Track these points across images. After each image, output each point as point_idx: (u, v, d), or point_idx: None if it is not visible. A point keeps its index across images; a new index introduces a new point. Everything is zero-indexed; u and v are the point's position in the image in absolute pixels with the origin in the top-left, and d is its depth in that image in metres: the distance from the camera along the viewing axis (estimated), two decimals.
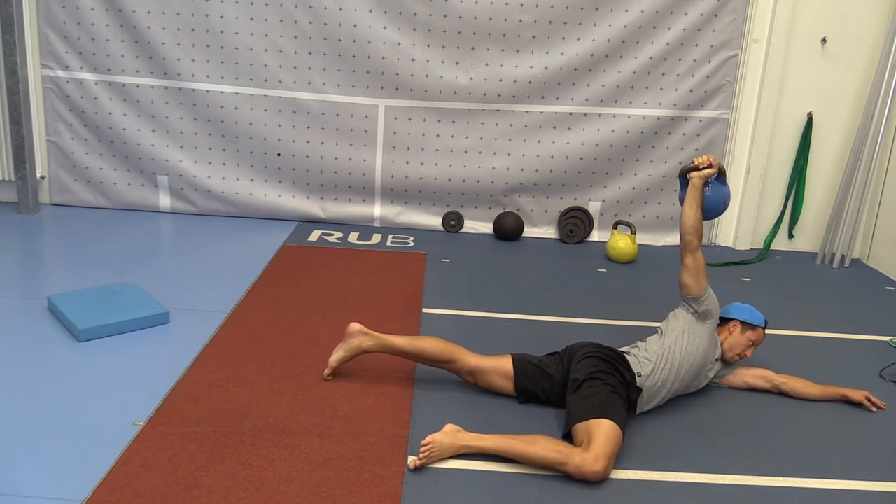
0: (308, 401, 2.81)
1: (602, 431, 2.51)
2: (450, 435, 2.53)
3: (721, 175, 3.17)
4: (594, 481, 2.43)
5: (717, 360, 3.08)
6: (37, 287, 3.83)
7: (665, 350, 2.91)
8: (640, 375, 2.84)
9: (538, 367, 2.91)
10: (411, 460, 2.45)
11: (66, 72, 5.03)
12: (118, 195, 5.24)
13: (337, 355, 2.97)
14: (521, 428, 2.68)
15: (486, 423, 2.72)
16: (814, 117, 5.12)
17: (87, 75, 5.04)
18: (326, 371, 2.97)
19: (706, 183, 3.13)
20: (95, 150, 5.17)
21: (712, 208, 3.17)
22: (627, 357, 2.89)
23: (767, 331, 3.22)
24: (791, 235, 5.38)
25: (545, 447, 2.48)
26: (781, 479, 2.54)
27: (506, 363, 2.92)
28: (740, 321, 3.13)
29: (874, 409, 3.05)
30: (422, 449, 2.46)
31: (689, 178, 3.12)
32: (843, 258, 5.12)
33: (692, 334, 2.96)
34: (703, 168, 3.09)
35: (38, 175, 5.15)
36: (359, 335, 2.96)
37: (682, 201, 3.16)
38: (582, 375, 2.76)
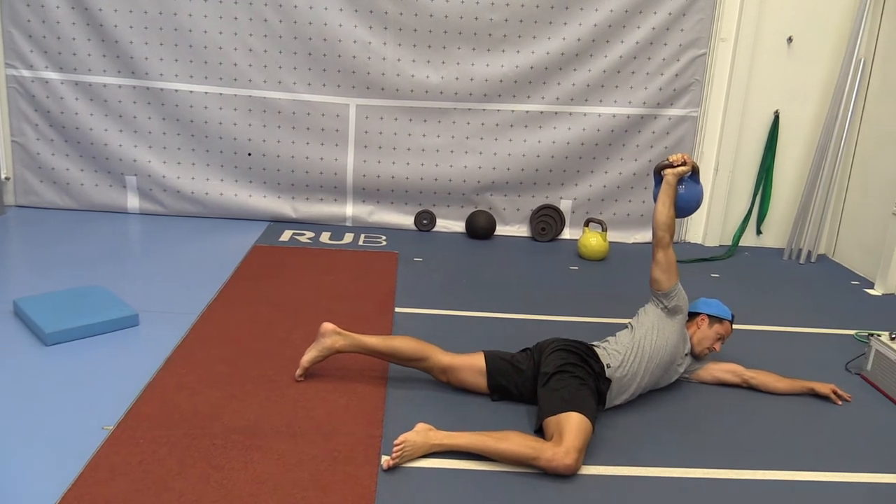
0: (280, 402, 2.79)
1: (572, 425, 2.52)
2: (422, 434, 2.53)
3: (695, 173, 3.20)
4: (566, 475, 2.45)
5: (686, 354, 3.11)
6: (2, 290, 3.76)
7: (635, 343, 2.94)
8: (609, 367, 2.86)
9: (510, 363, 2.92)
10: (384, 460, 2.44)
11: (31, 71, 4.95)
12: (85, 196, 5.17)
13: (309, 355, 2.96)
14: (495, 425, 2.68)
15: (459, 421, 2.73)
16: (780, 115, 5.19)
17: (52, 75, 4.96)
18: (298, 371, 2.96)
19: (680, 181, 3.16)
20: (62, 151, 5.09)
21: (685, 206, 3.21)
22: (597, 350, 2.92)
23: (736, 326, 3.27)
24: (759, 232, 5.46)
25: (517, 443, 2.49)
26: (751, 471, 2.58)
27: (478, 360, 2.93)
28: (708, 315, 3.17)
29: (840, 402, 3.10)
30: (394, 449, 2.46)
31: (664, 175, 3.15)
32: (809, 254, 5.21)
33: (662, 329, 2.99)
34: (678, 166, 3.13)
35: (3, 176, 5.06)
36: (331, 335, 2.95)
37: (655, 198, 3.19)
38: (551, 369, 2.78)
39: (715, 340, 3.14)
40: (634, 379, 2.91)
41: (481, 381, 2.92)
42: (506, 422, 2.76)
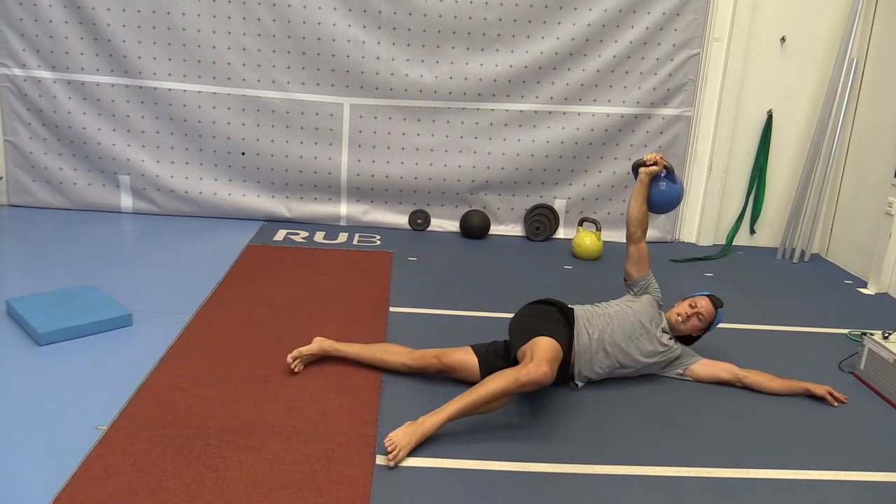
0: (274, 402, 2.79)
1: (541, 345, 2.76)
2: (408, 431, 2.53)
3: (670, 173, 3.34)
4: (543, 383, 2.63)
5: (662, 327, 3.18)
6: None
7: (600, 307, 3.20)
8: (573, 308, 3.14)
9: (494, 349, 3.05)
10: (385, 460, 2.45)
11: (24, 70, 4.93)
12: (78, 196, 5.15)
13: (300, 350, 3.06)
14: (493, 418, 2.69)
15: (456, 423, 2.73)
16: (773, 115, 5.21)
17: (45, 73, 4.94)
18: (291, 356, 3.02)
19: (659, 179, 3.34)
20: (55, 150, 5.07)
21: (662, 203, 3.40)
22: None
23: (730, 325, 3.29)
24: (752, 231, 5.47)
25: (494, 381, 2.63)
26: (745, 470, 2.59)
27: (470, 358, 3.00)
28: (684, 297, 3.32)
29: (836, 404, 3.09)
30: (388, 450, 2.47)
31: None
32: (802, 253, 5.23)
33: (628, 302, 3.25)
34: (650, 165, 3.30)
35: None
36: (321, 345, 3.10)
37: None
38: (521, 321, 3.04)
39: (687, 309, 3.21)
40: (602, 339, 3.04)
41: (474, 374, 2.96)
42: (504, 414, 2.76)
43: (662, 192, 3.36)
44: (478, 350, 3.04)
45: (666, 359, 3.18)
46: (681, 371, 3.21)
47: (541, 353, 2.72)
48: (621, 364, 3.09)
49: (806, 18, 5.03)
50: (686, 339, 3.28)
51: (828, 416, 3.01)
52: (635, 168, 3.39)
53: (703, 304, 3.22)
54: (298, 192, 5.25)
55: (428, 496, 2.33)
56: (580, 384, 3.08)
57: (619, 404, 2.98)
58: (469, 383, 2.96)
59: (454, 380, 3.02)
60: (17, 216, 4.97)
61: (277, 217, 5.25)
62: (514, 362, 2.87)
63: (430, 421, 2.57)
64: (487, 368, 2.93)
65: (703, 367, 3.22)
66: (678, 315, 3.21)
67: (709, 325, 3.25)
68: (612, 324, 3.09)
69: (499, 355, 3.01)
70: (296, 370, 3.00)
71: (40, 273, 3.98)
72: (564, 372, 3.00)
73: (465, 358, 3.00)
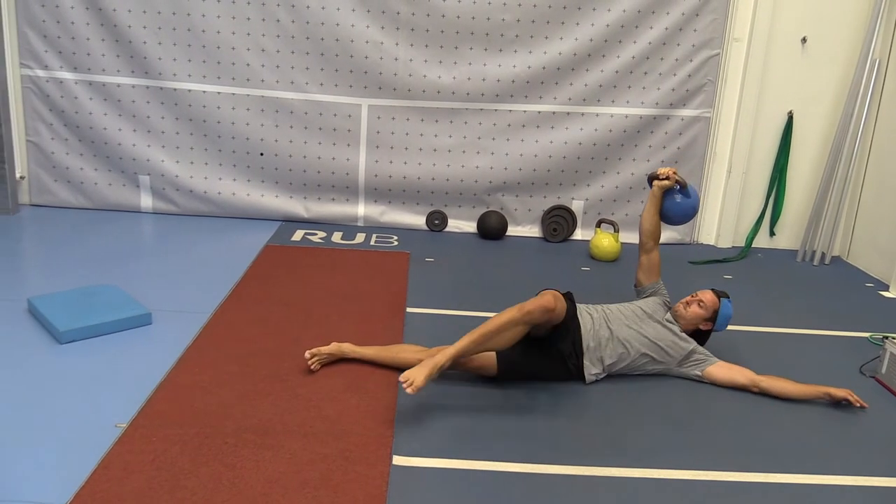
0: (292, 401, 2.80)
1: (543, 291, 2.93)
2: (421, 366, 2.66)
3: (683, 188, 3.44)
4: (550, 307, 2.80)
5: (667, 318, 3.24)
6: (16, 289, 3.79)
7: (603, 305, 3.30)
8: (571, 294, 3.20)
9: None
10: (406, 386, 2.57)
11: (46, 71, 4.98)
12: (99, 195, 5.20)
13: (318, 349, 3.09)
14: (510, 421, 2.69)
15: (472, 421, 2.73)
16: (794, 116, 5.16)
17: (66, 75, 4.99)
18: (308, 353, 3.04)
19: (674, 192, 3.45)
20: (76, 150, 5.13)
21: (679, 215, 3.50)
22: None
23: (750, 327, 3.27)
24: (772, 233, 5.43)
25: (500, 317, 2.81)
26: (763, 475, 2.56)
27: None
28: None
29: (857, 405, 3.03)
30: (404, 384, 2.58)
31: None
32: (823, 255, 5.17)
33: (629, 303, 3.34)
34: (662, 179, 3.44)
35: (18, 175, 5.10)
36: (340, 346, 3.14)
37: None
38: None
39: (689, 296, 3.28)
40: (606, 320, 3.16)
41: (491, 361, 3.02)
42: (519, 416, 2.76)
43: (677, 205, 3.47)
44: None
45: (680, 346, 3.18)
46: (699, 373, 3.19)
47: (544, 294, 2.87)
48: (628, 346, 3.11)
49: (827, 19, 4.98)
50: (697, 337, 3.27)
51: (848, 421, 2.97)
52: (650, 180, 3.50)
53: (704, 293, 3.28)
54: (316, 192, 5.26)
55: (444, 496, 2.33)
56: (592, 377, 3.10)
57: (634, 406, 2.97)
58: (487, 377, 2.99)
59: (471, 378, 3.03)
60: (39, 216, 5.03)
61: (295, 217, 5.28)
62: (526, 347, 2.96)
63: (441, 353, 2.71)
64: (503, 358, 2.96)
65: (721, 369, 3.19)
66: (680, 304, 3.28)
67: (714, 316, 3.24)
68: (611, 310, 3.24)
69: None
70: (313, 367, 3.02)
71: (61, 272, 4.02)
72: (575, 362, 3.04)
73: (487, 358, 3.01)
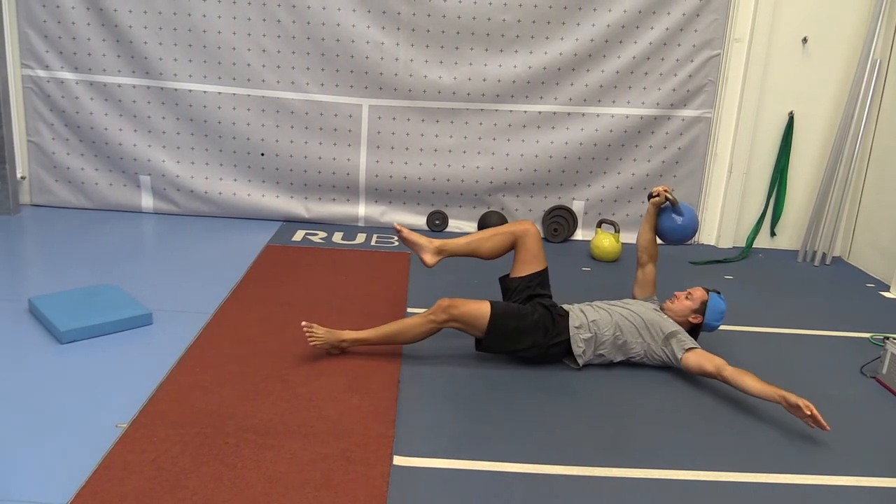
0: (292, 401, 2.80)
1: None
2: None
3: (674, 206, 3.52)
4: (530, 227, 3.37)
5: (656, 306, 3.37)
6: (17, 289, 3.80)
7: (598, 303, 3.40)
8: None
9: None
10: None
11: (47, 71, 4.99)
12: (100, 196, 5.20)
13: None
14: (510, 413, 2.70)
15: (473, 424, 2.73)
16: (795, 116, 5.16)
17: (67, 75, 4.99)
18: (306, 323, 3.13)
19: (669, 210, 3.53)
20: (77, 151, 5.13)
21: (675, 236, 3.57)
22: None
23: (750, 328, 3.26)
24: (773, 234, 5.43)
25: (493, 237, 3.43)
26: (762, 475, 2.56)
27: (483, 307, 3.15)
28: None
29: (813, 425, 2.74)
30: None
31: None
32: (824, 256, 5.17)
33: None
34: (655, 197, 3.53)
35: (19, 175, 5.10)
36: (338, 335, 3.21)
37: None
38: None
39: (680, 292, 3.36)
40: (591, 302, 3.33)
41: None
42: (519, 415, 2.76)
43: (672, 226, 3.55)
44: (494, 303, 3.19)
45: (664, 322, 3.23)
46: (679, 356, 3.13)
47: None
48: (611, 313, 3.22)
49: (828, 19, 4.98)
50: (688, 331, 3.28)
51: (849, 421, 2.97)
52: (650, 198, 3.59)
53: (695, 288, 3.37)
54: (317, 192, 5.27)
55: (444, 497, 2.33)
56: (581, 362, 3.16)
57: (634, 407, 2.96)
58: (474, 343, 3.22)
59: (472, 378, 3.03)
60: (40, 216, 5.03)
61: (296, 217, 5.28)
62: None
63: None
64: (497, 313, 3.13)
65: (695, 355, 3.12)
66: (669, 299, 3.36)
67: (703, 308, 3.29)
68: (601, 304, 3.36)
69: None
70: (310, 340, 3.08)
71: (62, 272, 4.02)
72: (564, 347, 3.17)
73: (479, 308, 3.12)
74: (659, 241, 3.63)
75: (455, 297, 3.11)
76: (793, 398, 2.76)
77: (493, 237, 3.45)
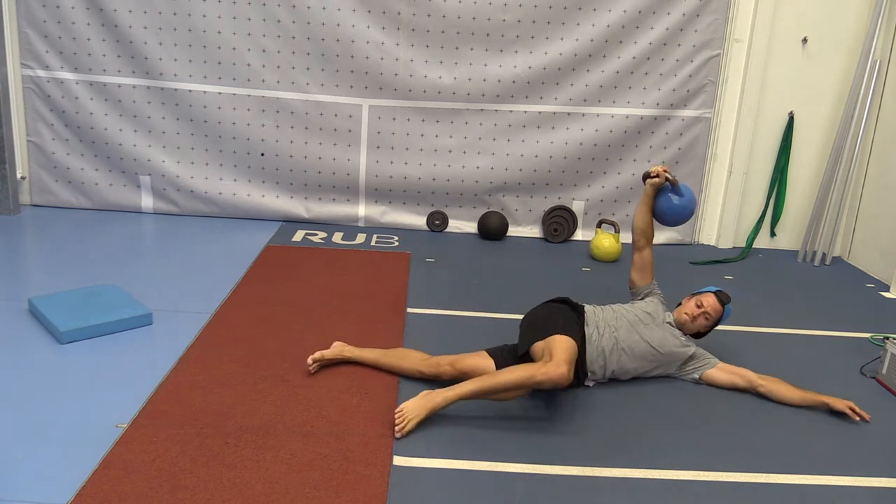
0: (292, 401, 2.80)
1: (560, 345, 2.78)
2: (420, 403, 2.66)
3: (675, 186, 3.41)
4: (561, 384, 2.67)
5: (668, 321, 3.21)
6: (17, 289, 3.79)
7: (606, 306, 3.26)
8: (584, 306, 3.20)
9: (509, 351, 3.06)
10: (398, 429, 2.57)
11: (47, 71, 4.99)
12: (100, 196, 5.20)
13: (321, 353, 3.07)
14: (511, 421, 2.70)
15: (473, 425, 2.73)
16: (795, 117, 5.16)
17: (67, 75, 4.99)
18: (311, 359, 3.03)
19: (667, 191, 3.41)
20: (77, 151, 5.13)
21: (674, 216, 3.45)
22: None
23: (750, 328, 3.26)
24: (773, 234, 5.43)
25: (512, 372, 2.71)
26: (763, 475, 2.56)
27: (486, 362, 2.99)
28: (691, 293, 3.31)
29: (857, 419, 2.95)
30: (396, 418, 2.59)
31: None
32: (824, 256, 5.17)
33: (632, 304, 3.33)
34: (653, 177, 3.39)
35: (19, 175, 5.10)
36: (342, 350, 3.12)
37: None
38: (536, 318, 3.07)
39: (694, 308, 3.20)
40: (608, 326, 3.09)
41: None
42: (521, 415, 2.76)
43: (671, 205, 3.42)
44: (493, 353, 3.04)
45: (680, 353, 3.16)
46: (697, 377, 3.18)
47: (560, 354, 2.73)
48: (632, 355, 3.08)
49: (828, 19, 4.98)
50: (695, 335, 3.27)
51: (849, 421, 2.97)
52: (644, 178, 3.47)
53: (710, 301, 3.22)
54: (317, 192, 5.27)
55: (444, 497, 2.33)
56: (592, 384, 3.09)
57: (636, 407, 2.97)
58: None
59: None
60: (40, 216, 5.03)
61: (296, 218, 5.28)
62: (523, 358, 2.89)
63: (441, 395, 2.68)
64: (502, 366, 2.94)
65: (720, 371, 3.17)
66: (685, 314, 3.21)
67: (716, 322, 3.24)
68: (617, 313, 3.18)
69: (513, 356, 3.01)
70: (312, 371, 3.02)
71: (62, 272, 4.02)
72: (578, 370, 2.99)
73: (480, 363, 2.98)
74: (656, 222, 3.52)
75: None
76: (838, 404, 2.96)
77: (504, 392, 2.77)
